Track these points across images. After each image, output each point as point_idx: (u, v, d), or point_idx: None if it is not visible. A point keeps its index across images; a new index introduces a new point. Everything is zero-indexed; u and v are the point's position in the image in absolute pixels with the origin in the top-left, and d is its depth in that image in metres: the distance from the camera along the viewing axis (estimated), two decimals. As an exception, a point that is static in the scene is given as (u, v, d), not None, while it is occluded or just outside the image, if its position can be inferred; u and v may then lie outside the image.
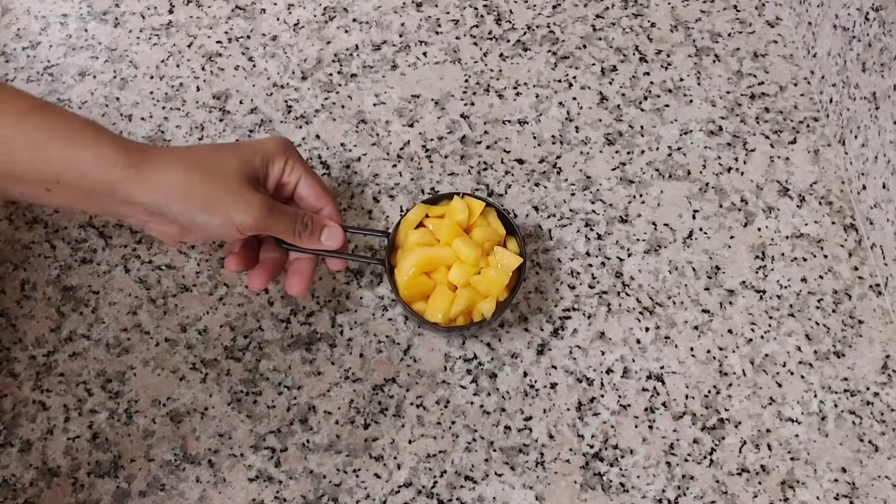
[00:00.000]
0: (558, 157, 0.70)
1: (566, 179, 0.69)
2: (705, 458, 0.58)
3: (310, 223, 0.56)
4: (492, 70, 0.74)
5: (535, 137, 0.70)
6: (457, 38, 0.75)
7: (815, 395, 0.60)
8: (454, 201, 0.61)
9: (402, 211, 0.66)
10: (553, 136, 0.70)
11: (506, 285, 0.59)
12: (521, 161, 0.69)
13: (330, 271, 0.64)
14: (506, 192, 0.68)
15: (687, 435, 0.59)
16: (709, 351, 0.62)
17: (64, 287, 0.64)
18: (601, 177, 0.69)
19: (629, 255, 0.65)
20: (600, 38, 0.75)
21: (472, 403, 0.60)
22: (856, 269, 0.65)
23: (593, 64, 0.74)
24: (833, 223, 0.67)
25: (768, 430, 0.59)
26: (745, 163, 0.69)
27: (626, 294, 0.64)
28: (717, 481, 0.58)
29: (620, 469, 0.58)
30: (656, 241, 0.66)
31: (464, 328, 0.59)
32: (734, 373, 0.61)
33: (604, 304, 0.63)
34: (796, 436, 0.59)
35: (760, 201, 0.68)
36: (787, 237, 0.66)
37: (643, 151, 0.70)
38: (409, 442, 0.59)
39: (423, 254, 0.59)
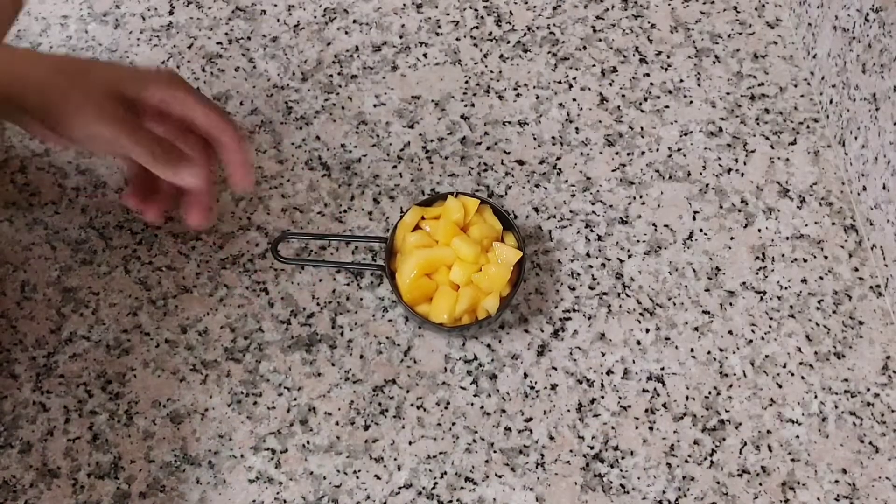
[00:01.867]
0: (558, 159, 0.70)
1: (566, 181, 0.69)
2: (706, 459, 0.58)
3: (172, 151, 0.54)
4: (492, 71, 0.74)
5: (535, 138, 0.70)
6: (457, 39, 0.75)
7: (816, 397, 0.60)
8: (449, 201, 0.61)
9: (402, 212, 0.66)
10: (553, 138, 0.70)
11: (507, 280, 0.59)
12: (521, 162, 0.69)
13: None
14: (506, 194, 0.68)
15: (687, 436, 0.59)
16: (709, 352, 0.62)
17: (64, 288, 0.64)
18: (601, 178, 0.69)
19: (629, 257, 0.65)
20: (600, 40, 0.75)
21: (472, 405, 0.60)
22: (856, 269, 0.65)
23: (593, 65, 0.74)
24: (833, 224, 0.67)
25: (769, 432, 0.59)
26: (745, 164, 0.69)
27: (627, 295, 0.64)
28: (718, 482, 0.57)
29: (621, 470, 0.58)
30: (656, 243, 0.66)
31: (465, 328, 0.59)
32: (734, 374, 0.61)
33: (604, 306, 0.63)
34: (797, 437, 0.59)
35: (760, 202, 0.68)
36: (788, 238, 0.66)
37: (643, 153, 0.70)
38: (410, 443, 0.59)
39: (423, 255, 0.59)
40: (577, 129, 0.71)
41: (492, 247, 0.60)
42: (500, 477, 0.58)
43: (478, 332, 0.62)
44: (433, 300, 0.59)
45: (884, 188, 0.62)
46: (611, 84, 0.73)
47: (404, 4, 0.77)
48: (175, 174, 0.54)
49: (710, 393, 0.60)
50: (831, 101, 0.70)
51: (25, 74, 0.52)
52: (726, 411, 0.60)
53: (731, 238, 0.66)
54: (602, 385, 0.61)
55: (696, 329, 0.63)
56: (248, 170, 0.58)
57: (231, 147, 0.57)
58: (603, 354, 0.62)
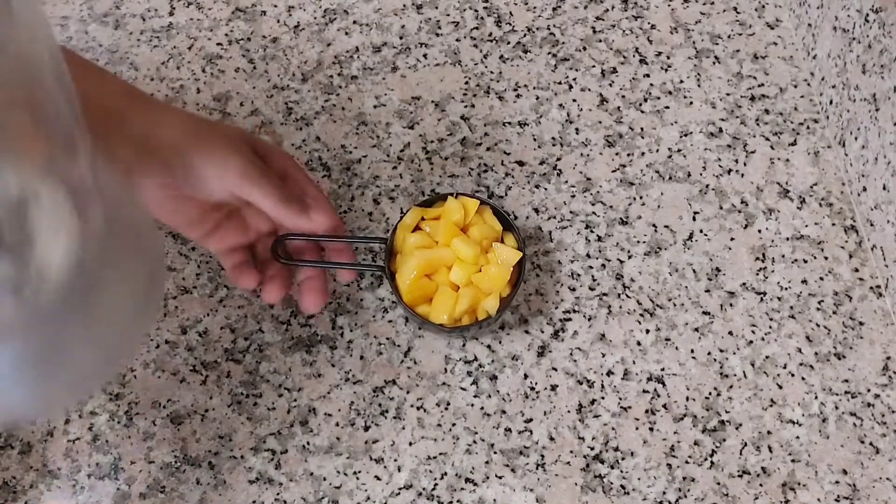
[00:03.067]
0: (558, 159, 0.70)
1: (566, 181, 0.69)
2: (706, 460, 0.58)
3: (300, 197, 0.55)
4: (492, 72, 0.74)
5: (535, 139, 0.70)
6: (457, 40, 0.75)
7: (816, 397, 0.60)
8: (448, 202, 0.61)
9: (402, 213, 0.66)
10: (553, 138, 0.70)
11: (507, 281, 0.59)
12: (521, 163, 0.69)
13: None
14: (506, 194, 0.68)
15: (688, 437, 0.59)
16: (709, 353, 0.62)
17: (64, 289, 0.64)
18: (601, 179, 0.69)
19: (629, 257, 0.65)
20: (600, 40, 0.75)
21: (472, 405, 0.60)
22: (856, 270, 0.65)
23: (593, 66, 0.74)
24: (833, 225, 0.67)
25: (769, 432, 0.59)
26: (745, 164, 0.69)
27: (627, 296, 0.64)
28: (718, 483, 0.57)
29: (621, 471, 0.58)
30: (656, 243, 0.66)
31: (465, 328, 0.59)
32: (735, 375, 0.61)
33: (604, 306, 0.63)
34: (797, 438, 0.59)
35: (761, 203, 0.68)
36: (788, 239, 0.66)
37: (643, 153, 0.70)
38: (410, 444, 0.59)
39: (423, 256, 0.59)
40: (577, 129, 0.71)
41: (492, 247, 0.60)
42: (500, 478, 0.58)
43: (478, 332, 0.62)
44: (433, 301, 0.59)
45: (884, 189, 0.62)
46: (611, 85, 0.73)
47: (404, 5, 0.77)
48: (304, 214, 0.55)
49: (710, 394, 0.60)
50: (831, 102, 0.70)
51: (162, 117, 0.52)
52: (726, 412, 0.60)
53: (732, 239, 0.66)
54: (602, 386, 0.61)
55: (697, 330, 0.63)
56: (349, 255, 0.60)
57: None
58: (603, 355, 0.62)
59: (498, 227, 0.61)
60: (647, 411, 0.60)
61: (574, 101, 0.72)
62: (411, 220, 0.61)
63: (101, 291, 0.40)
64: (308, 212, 0.55)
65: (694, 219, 0.67)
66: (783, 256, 0.66)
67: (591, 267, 0.65)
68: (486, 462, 0.58)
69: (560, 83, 0.73)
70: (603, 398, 0.60)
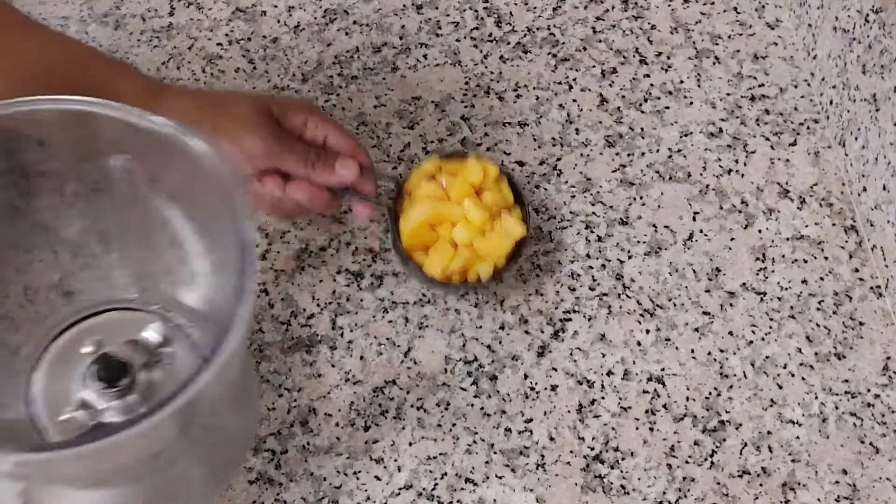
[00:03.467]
0: (558, 160, 0.70)
1: (566, 181, 0.69)
2: (706, 460, 0.58)
3: (322, 154, 0.57)
4: (492, 72, 0.74)
5: (535, 139, 0.70)
6: (457, 40, 0.75)
7: (816, 397, 0.60)
8: (470, 161, 0.61)
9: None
10: (553, 139, 0.71)
11: (506, 253, 0.59)
12: (521, 163, 0.69)
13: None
14: (506, 194, 0.68)
15: (688, 437, 0.59)
16: (709, 353, 0.62)
17: (64, 289, 0.64)
18: (601, 179, 0.69)
19: (629, 258, 0.65)
20: (600, 41, 0.75)
21: (472, 406, 0.60)
22: (856, 270, 0.65)
23: (593, 66, 0.74)
24: (833, 225, 0.67)
25: (769, 432, 0.59)
26: (745, 164, 0.69)
27: (627, 296, 0.64)
28: (718, 483, 0.57)
29: (621, 471, 0.58)
30: (657, 243, 0.66)
31: (450, 286, 0.60)
32: (735, 375, 0.61)
33: (604, 307, 0.63)
34: (797, 438, 0.59)
35: (761, 203, 0.68)
36: (788, 239, 0.66)
37: (643, 153, 0.70)
38: (410, 444, 0.59)
39: (432, 206, 0.59)
40: (577, 129, 0.71)
41: (500, 216, 0.60)
42: (500, 478, 0.58)
43: (463, 291, 0.62)
44: (430, 251, 0.60)
45: (884, 189, 0.62)
46: (611, 85, 0.73)
47: (404, 5, 0.77)
48: (332, 173, 0.58)
49: (710, 394, 0.60)
50: (831, 102, 0.70)
51: (177, 111, 0.54)
52: (727, 412, 0.60)
53: (732, 239, 0.66)
54: (602, 386, 0.61)
55: (697, 330, 0.63)
56: (373, 188, 0.62)
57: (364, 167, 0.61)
58: (603, 355, 0.62)
59: (510, 199, 0.62)
60: (647, 411, 0.60)
61: (574, 101, 0.72)
62: (429, 168, 0.61)
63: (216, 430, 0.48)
64: (332, 167, 0.58)
65: (694, 219, 0.67)
66: (783, 256, 0.66)
67: (591, 267, 0.65)
68: (486, 462, 0.58)
69: (560, 83, 0.73)
70: (603, 398, 0.60)
